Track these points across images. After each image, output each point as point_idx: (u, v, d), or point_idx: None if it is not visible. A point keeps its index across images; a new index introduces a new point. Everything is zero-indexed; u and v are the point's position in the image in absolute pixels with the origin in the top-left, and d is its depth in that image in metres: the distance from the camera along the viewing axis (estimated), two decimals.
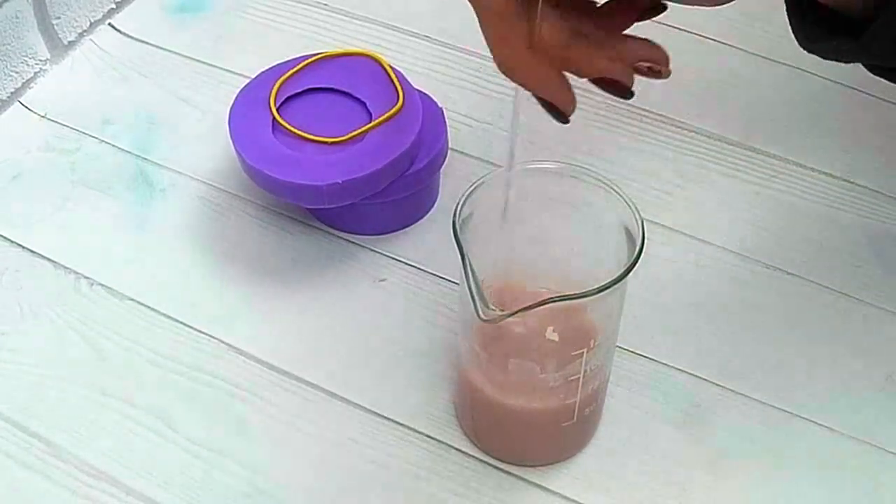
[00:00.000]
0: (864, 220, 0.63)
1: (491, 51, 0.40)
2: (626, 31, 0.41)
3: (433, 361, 0.57)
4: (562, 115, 0.42)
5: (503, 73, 0.40)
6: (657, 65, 0.41)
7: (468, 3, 0.39)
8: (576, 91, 0.42)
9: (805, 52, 0.42)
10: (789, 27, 0.42)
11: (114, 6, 0.76)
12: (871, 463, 0.54)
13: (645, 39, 0.41)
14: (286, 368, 0.57)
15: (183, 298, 0.60)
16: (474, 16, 0.40)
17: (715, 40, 0.71)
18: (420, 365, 0.57)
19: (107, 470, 0.53)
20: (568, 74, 0.41)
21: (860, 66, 0.42)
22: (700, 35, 0.71)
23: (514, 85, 0.41)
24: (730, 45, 0.72)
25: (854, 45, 0.39)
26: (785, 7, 0.42)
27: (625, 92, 0.42)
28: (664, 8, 0.41)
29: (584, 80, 0.42)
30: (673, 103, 0.66)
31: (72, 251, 0.62)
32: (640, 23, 0.42)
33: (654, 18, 0.41)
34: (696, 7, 0.39)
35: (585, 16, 0.40)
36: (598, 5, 0.41)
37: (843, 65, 0.42)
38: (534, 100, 0.42)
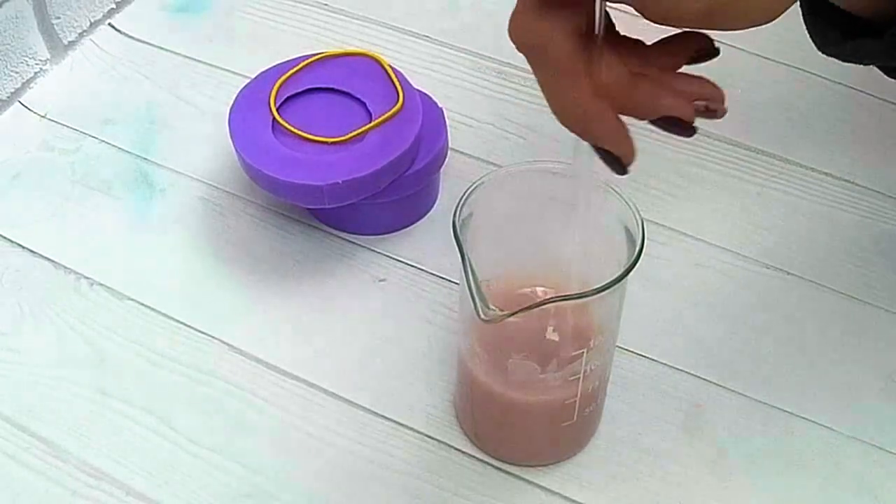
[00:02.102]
0: (865, 220, 0.63)
1: (550, 102, 0.38)
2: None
3: (433, 361, 0.57)
4: (623, 167, 0.40)
5: (563, 122, 0.38)
6: (713, 103, 0.40)
7: (525, 55, 0.37)
8: None
9: (823, 55, 0.41)
10: (806, 32, 0.41)
11: (114, 6, 0.76)
12: (871, 463, 0.54)
13: (700, 77, 0.40)
14: (286, 368, 0.57)
15: (183, 298, 0.60)
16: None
17: (715, 40, 0.71)
18: (420, 365, 0.57)
19: (107, 470, 0.53)
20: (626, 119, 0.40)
21: (865, 67, 0.41)
22: None
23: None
24: (730, 46, 0.71)
25: (876, 46, 0.38)
26: (801, 11, 0.41)
27: (689, 129, 0.40)
28: (717, 52, 0.40)
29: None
30: None
31: (72, 251, 0.62)
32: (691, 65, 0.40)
33: (706, 62, 0.40)
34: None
35: (639, 56, 0.39)
36: (649, 45, 0.40)
37: (843, 64, 0.41)
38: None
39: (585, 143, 0.40)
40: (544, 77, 0.37)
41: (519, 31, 0.37)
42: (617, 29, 0.39)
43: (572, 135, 0.41)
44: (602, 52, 0.38)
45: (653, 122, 0.40)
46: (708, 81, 0.40)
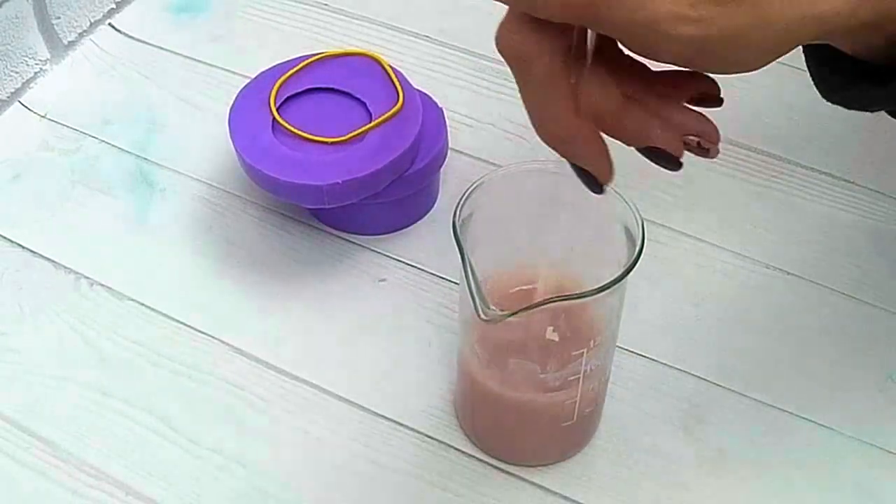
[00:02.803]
0: (865, 220, 0.63)
1: (530, 115, 0.38)
2: None
3: (433, 361, 0.57)
4: (598, 187, 0.39)
5: (542, 138, 0.38)
6: (707, 141, 0.39)
7: (509, 66, 0.37)
8: None
9: (829, 102, 0.41)
10: (810, 78, 0.41)
11: (114, 6, 0.76)
12: (871, 463, 0.53)
13: (697, 112, 0.39)
14: (286, 368, 0.57)
15: (183, 298, 0.60)
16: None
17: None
18: (420, 365, 0.57)
19: (107, 470, 0.53)
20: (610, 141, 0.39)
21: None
22: None
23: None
24: None
25: (882, 92, 0.38)
26: (804, 60, 0.41)
27: (675, 164, 0.40)
28: (721, 102, 0.39)
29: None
30: None
31: (72, 251, 0.62)
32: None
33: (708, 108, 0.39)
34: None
35: (639, 81, 0.39)
36: (654, 71, 0.39)
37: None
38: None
39: None
40: (526, 90, 0.37)
41: (505, 42, 0.36)
42: (620, 48, 0.39)
43: None
44: (592, 72, 0.37)
45: (640, 151, 0.40)
46: (706, 118, 0.39)
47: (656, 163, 0.40)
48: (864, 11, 0.35)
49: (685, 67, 0.36)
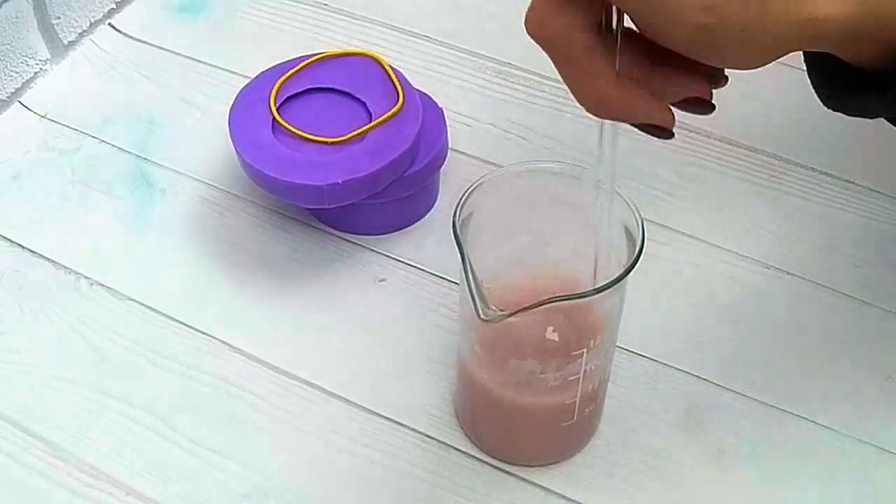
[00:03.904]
0: (865, 220, 0.63)
1: (575, 93, 0.38)
2: None
3: (433, 361, 0.57)
4: (666, 132, 0.40)
5: (593, 112, 0.39)
6: (704, 96, 0.40)
7: (543, 49, 0.37)
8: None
9: (828, 108, 0.41)
10: (810, 85, 0.42)
11: (114, 6, 0.76)
12: (871, 463, 0.54)
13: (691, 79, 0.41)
14: (286, 368, 0.57)
15: (183, 298, 0.60)
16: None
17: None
18: (420, 365, 0.57)
19: (107, 470, 0.53)
20: None
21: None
22: None
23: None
24: None
25: (882, 100, 0.38)
26: (805, 67, 0.42)
27: (707, 107, 0.41)
28: (711, 109, 0.41)
29: None
30: None
31: (72, 251, 0.62)
32: None
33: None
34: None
35: (656, 51, 0.40)
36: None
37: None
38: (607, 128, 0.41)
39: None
40: (566, 70, 0.38)
41: (536, 25, 0.37)
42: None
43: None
44: (625, 44, 0.38)
45: (674, 105, 0.40)
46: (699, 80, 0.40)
47: (694, 112, 0.41)
48: (863, 17, 0.36)
49: (689, 54, 0.36)
